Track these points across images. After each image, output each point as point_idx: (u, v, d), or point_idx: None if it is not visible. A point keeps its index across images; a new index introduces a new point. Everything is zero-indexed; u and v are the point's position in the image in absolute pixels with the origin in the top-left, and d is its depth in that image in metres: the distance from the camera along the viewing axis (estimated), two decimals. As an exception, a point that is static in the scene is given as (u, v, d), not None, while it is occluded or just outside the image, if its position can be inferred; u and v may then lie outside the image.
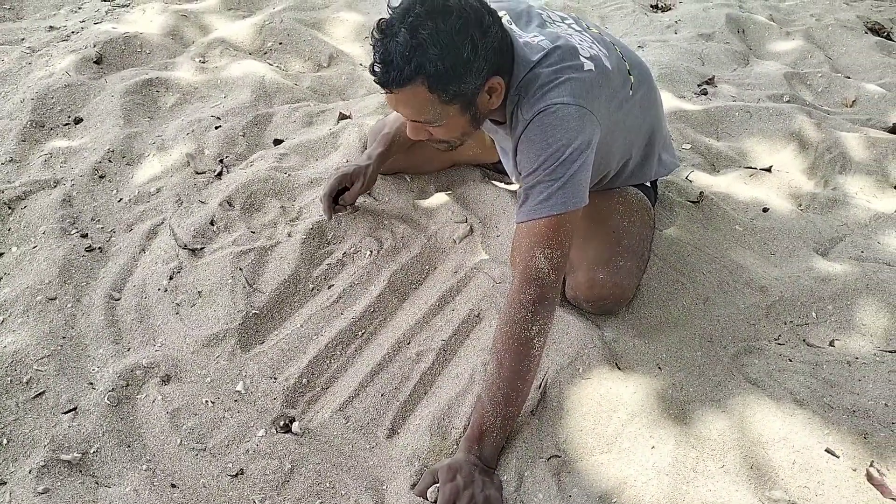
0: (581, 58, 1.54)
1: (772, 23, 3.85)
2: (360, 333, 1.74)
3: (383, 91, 1.43)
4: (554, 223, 1.47)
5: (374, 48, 1.40)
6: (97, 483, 1.40)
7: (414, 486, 1.43)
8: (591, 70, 1.53)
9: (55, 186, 2.14)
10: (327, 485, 1.44)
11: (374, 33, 1.40)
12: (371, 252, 1.90)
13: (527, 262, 1.47)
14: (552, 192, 1.46)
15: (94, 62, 2.72)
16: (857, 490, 1.37)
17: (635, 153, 1.81)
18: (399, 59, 1.35)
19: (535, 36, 1.58)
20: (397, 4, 1.39)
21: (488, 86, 1.47)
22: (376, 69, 1.39)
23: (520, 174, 1.55)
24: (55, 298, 1.78)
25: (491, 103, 1.50)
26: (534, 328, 1.45)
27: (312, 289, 1.84)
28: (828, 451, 1.43)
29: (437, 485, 1.38)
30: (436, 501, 1.36)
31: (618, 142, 1.69)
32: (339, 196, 1.93)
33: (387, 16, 1.41)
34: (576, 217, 1.50)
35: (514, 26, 1.61)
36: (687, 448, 1.45)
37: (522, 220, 1.50)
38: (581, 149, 1.46)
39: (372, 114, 2.45)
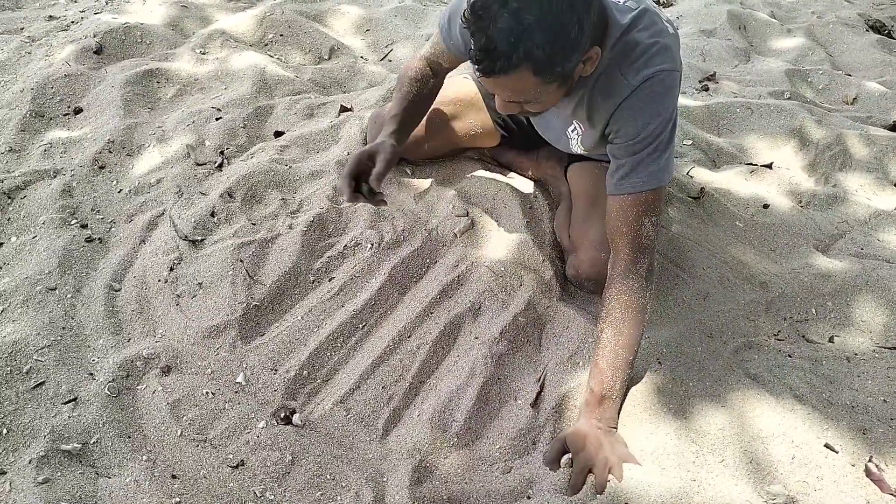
0: (663, 22, 1.54)
1: (773, 20, 3.85)
2: (360, 326, 1.74)
3: (481, 76, 1.35)
4: (658, 192, 1.52)
5: (471, 34, 1.31)
6: (97, 473, 1.40)
7: (415, 481, 1.43)
8: (674, 34, 1.55)
9: (55, 177, 2.13)
10: (328, 477, 1.44)
11: (468, 16, 1.30)
12: (372, 245, 1.90)
13: (637, 232, 1.52)
14: (661, 165, 1.50)
15: (94, 52, 2.71)
16: (856, 485, 1.37)
17: None
18: (504, 45, 1.27)
19: None
20: None
21: (586, 56, 1.40)
22: (478, 58, 1.30)
23: (608, 139, 1.57)
24: (55, 289, 1.78)
25: (584, 71, 1.43)
26: (647, 294, 1.52)
27: (313, 281, 1.84)
28: (827, 446, 1.44)
29: (568, 454, 1.43)
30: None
31: None
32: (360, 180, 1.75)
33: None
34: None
35: None
36: (687, 442, 1.45)
37: (629, 191, 1.52)
38: (677, 115, 1.53)
39: (373, 106, 2.44)
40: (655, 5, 1.61)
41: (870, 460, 1.43)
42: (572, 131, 1.72)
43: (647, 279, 1.52)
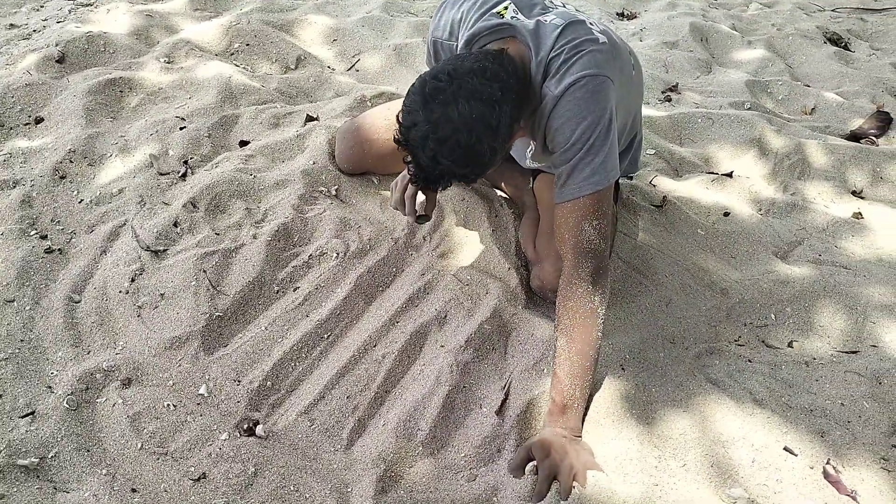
0: (594, 32, 1.59)
1: (734, 32, 3.93)
2: (325, 336, 1.74)
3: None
4: (598, 196, 1.53)
5: (404, 149, 1.46)
6: (55, 488, 1.37)
7: (380, 491, 1.43)
8: (605, 42, 1.58)
9: (14, 187, 2.09)
10: (291, 488, 1.43)
11: (396, 137, 1.45)
12: (337, 254, 1.90)
13: (577, 237, 1.53)
14: (595, 167, 1.51)
15: (57, 61, 2.67)
16: (815, 487, 1.40)
17: (623, 139, 1.84)
18: (431, 175, 1.45)
19: (546, 16, 1.62)
20: (408, 118, 1.42)
21: (514, 138, 1.54)
22: (413, 179, 1.49)
23: (550, 151, 1.60)
24: (13, 301, 1.75)
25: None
26: (596, 298, 1.51)
27: (277, 291, 1.83)
28: (786, 449, 1.47)
29: (533, 462, 1.43)
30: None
31: (618, 120, 1.73)
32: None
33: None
34: (613, 184, 1.57)
35: (520, 15, 1.64)
36: (649, 447, 1.47)
37: (568, 198, 1.54)
38: (611, 117, 1.53)
39: (339, 116, 2.44)
40: (586, 17, 1.65)
41: (828, 462, 1.45)
42: (529, 151, 1.77)
43: (595, 283, 1.51)
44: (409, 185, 1.83)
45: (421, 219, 1.84)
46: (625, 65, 1.67)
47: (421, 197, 1.81)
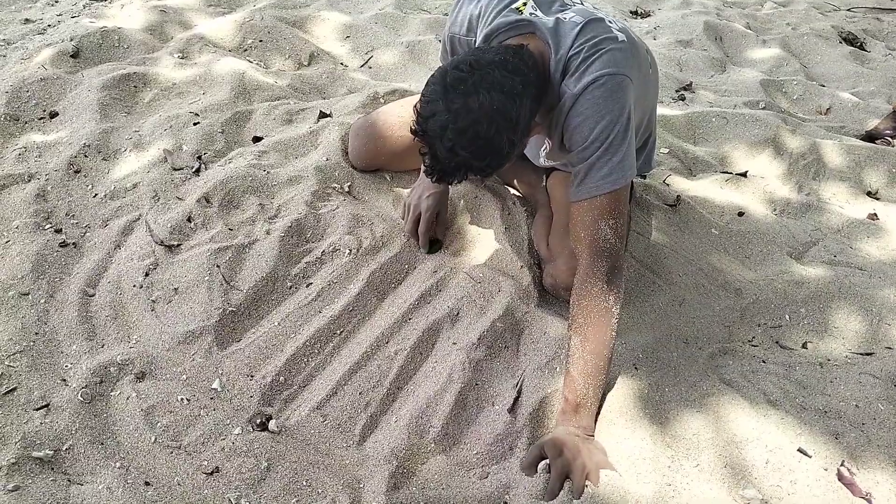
0: (613, 30, 1.58)
1: (749, 31, 3.90)
2: (338, 332, 1.74)
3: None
4: (614, 195, 1.52)
5: (420, 149, 1.46)
6: (69, 481, 1.38)
7: (392, 487, 1.43)
8: (624, 41, 1.58)
9: (29, 181, 2.11)
10: (304, 483, 1.43)
11: (413, 128, 1.44)
12: (350, 250, 1.90)
13: (593, 236, 1.53)
14: (613, 166, 1.51)
15: (71, 56, 2.68)
16: (829, 489, 1.39)
17: (638, 138, 1.83)
18: (448, 168, 1.44)
19: (566, 13, 1.61)
20: (427, 108, 1.41)
21: (531, 135, 1.54)
22: (428, 172, 1.47)
23: (567, 149, 1.60)
24: (28, 294, 1.76)
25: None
26: (610, 297, 1.50)
27: (290, 287, 1.83)
28: (800, 450, 1.46)
29: (546, 460, 1.42)
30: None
31: (635, 118, 1.72)
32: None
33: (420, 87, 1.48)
34: (629, 184, 1.57)
35: (538, 12, 1.63)
36: (662, 447, 1.46)
37: (584, 197, 1.53)
38: (629, 116, 1.53)
39: (352, 113, 2.44)
40: (605, 15, 1.64)
41: (842, 464, 1.44)
42: (543, 150, 1.77)
43: (610, 282, 1.51)
44: (422, 219, 1.88)
45: (434, 245, 1.94)
46: (643, 63, 1.67)
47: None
